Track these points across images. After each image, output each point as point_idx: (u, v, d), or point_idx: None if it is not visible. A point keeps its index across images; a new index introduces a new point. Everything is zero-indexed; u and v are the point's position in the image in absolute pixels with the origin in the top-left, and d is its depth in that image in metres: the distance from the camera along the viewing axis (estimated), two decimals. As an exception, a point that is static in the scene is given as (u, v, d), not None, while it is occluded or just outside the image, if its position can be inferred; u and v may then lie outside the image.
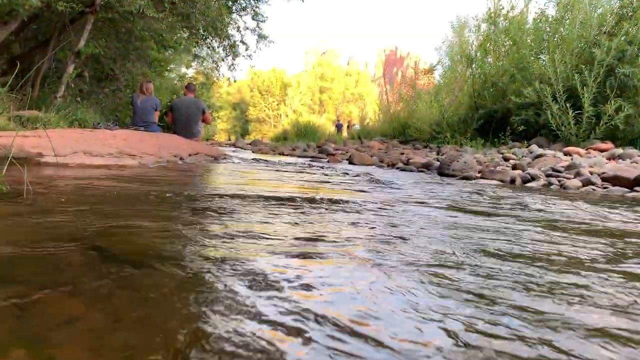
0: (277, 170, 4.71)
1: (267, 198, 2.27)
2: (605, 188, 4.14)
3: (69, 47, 11.88)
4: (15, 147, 3.48)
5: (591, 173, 4.64)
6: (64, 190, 2.22)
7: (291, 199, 2.30)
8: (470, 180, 4.64)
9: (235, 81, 18.54)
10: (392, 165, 7.11)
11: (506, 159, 6.56)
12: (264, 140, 33.57)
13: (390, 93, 17.21)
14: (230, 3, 11.67)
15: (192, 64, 21.01)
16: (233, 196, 2.25)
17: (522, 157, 6.48)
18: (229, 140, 54.85)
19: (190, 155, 5.50)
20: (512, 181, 4.65)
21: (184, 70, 23.29)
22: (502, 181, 4.53)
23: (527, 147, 7.70)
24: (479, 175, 4.99)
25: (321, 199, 2.42)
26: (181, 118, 7.25)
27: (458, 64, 10.62)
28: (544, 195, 3.48)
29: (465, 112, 10.02)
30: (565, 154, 6.37)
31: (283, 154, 11.07)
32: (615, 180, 4.25)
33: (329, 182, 3.66)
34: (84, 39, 9.66)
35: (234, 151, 12.23)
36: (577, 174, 4.56)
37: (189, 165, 4.64)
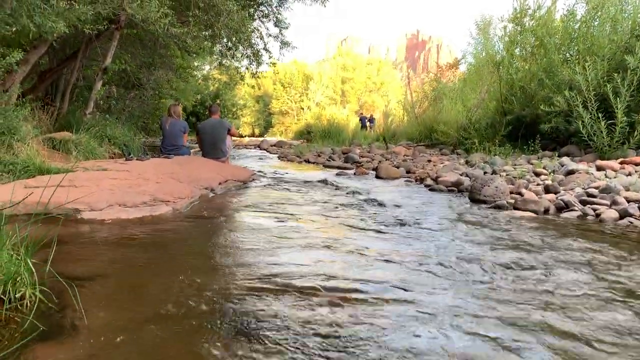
0: (303, 205, 4.72)
1: (299, 291, 2.28)
2: (643, 220, 4.05)
3: (96, 64, 12.09)
4: (52, 202, 3.57)
5: (627, 200, 4.53)
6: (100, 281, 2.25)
7: (333, 290, 2.30)
8: (502, 211, 4.59)
9: (259, 80, 18.55)
10: (420, 181, 7.06)
11: (537, 174, 6.45)
12: (287, 140, 33.65)
13: (414, 90, 17.05)
14: (253, 10, 11.66)
15: (215, 64, 21.19)
16: (259, 291, 2.27)
17: (554, 172, 6.37)
18: (253, 134, 55.22)
19: (220, 184, 5.56)
20: (546, 211, 4.58)
21: (207, 68, 23.45)
22: (535, 212, 4.46)
23: (557, 158, 7.57)
24: (512, 201, 4.93)
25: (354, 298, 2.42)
26: (208, 139, 7.35)
27: (484, 66, 10.44)
28: (582, 236, 3.42)
29: (493, 116, 9.88)
30: (599, 168, 6.23)
31: (309, 162, 11.09)
32: (654, 210, 4.14)
33: (358, 228, 3.66)
34: (110, 56, 9.81)
35: (260, 158, 12.31)
36: (614, 202, 4.46)
37: (218, 202, 4.69)
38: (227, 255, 2.70)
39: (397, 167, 8.42)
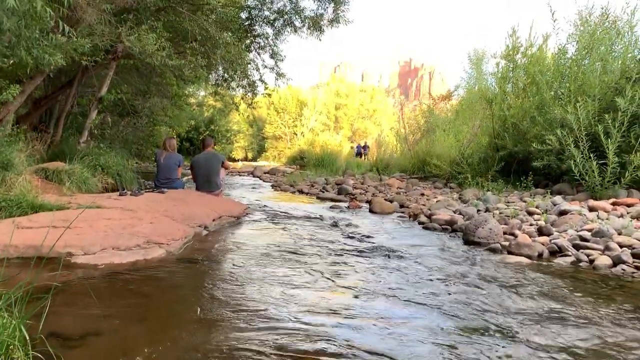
0: (296, 248, 4.71)
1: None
2: (637, 268, 4.07)
3: (91, 91, 12.13)
4: (46, 246, 3.54)
5: (620, 245, 4.56)
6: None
7: None
8: (496, 255, 4.59)
9: (253, 109, 18.69)
10: (414, 217, 7.08)
11: (530, 213, 6.49)
12: (280, 165, 33.69)
13: (407, 120, 17.19)
14: (249, 42, 11.79)
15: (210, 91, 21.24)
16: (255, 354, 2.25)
17: (546, 212, 6.41)
18: (246, 158, 55.24)
19: (214, 220, 5.54)
20: (540, 255, 4.59)
21: (201, 93, 23.50)
22: (529, 257, 4.47)
23: (550, 196, 7.63)
24: (505, 243, 4.94)
25: None
26: (202, 173, 7.35)
27: (476, 102, 10.58)
28: (575, 286, 3.43)
29: (485, 151, 9.97)
30: (591, 209, 6.28)
31: (302, 192, 11.10)
32: (647, 258, 4.17)
33: (352, 277, 3.64)
34: (106, 86, 9.85)
35: (253, 187, 12.30)
36: (607, 248, 4.48)
37: (211, 243, 4.67)
38: (220, 309, 2.67)
39: (391, 201, 8.44)
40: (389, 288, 3.27)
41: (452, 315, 2.73)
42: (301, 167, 32.06)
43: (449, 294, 3.17)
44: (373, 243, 4.92)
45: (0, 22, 4.98)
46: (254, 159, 55.74)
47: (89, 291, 2.87)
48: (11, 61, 6.65)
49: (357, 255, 4.29)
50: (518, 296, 3.16)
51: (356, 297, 3.02)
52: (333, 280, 3.40)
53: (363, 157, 23.90)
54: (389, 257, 4.25)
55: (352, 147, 26.70)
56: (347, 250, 4.50)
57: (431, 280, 3.53)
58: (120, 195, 5.81)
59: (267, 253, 4.21)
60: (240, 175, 18.03)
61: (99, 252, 3.58)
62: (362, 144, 27.69)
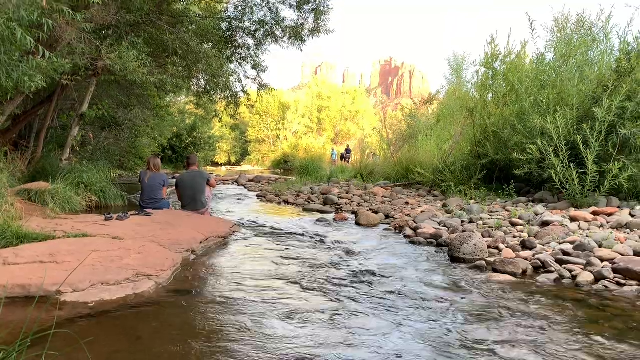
0: (284, 270, 4.74)
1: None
2: (618, 283, 4.18)
3: (72, 105, 12.01)
4: (34, 284, 3.54)
5: (602, 260, 4.68)
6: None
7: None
8: (481, 273, 4.68)
9: (236, 120, 18.65)
10: (399, 230, 7.15)
11: (513, 224, 6.61)
12: (264, 170, 33.68)
13: (389, 123, 17.29)
14: (230, 53, 11.78)
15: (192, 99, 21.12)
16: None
17: (529, 222, 6.53)
18: (229, 162, 55.11)
19: (201, 243, 5.55)
20: (524, 272, 4.69)
21: (182, 99, 23.37)
22: (513, 275, 4.55)
23: (532, 205, 7.77)
24: (490, 259, 5.03)
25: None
26: (188, 192, 7.34)
27: (457, 111, 10.70)
28: (559, 303, 3.51)
29: (467, 159, 10.09)
30: (572, 219, 6.41)
31: (288, 203, 11.13)
32: (627, 273, 4.28)
33: (340, 300, 3.69)
34: (87, 102, 9.78)
35: (238, 199, 12.28)
36: (589, 264, 4.59)
37: (199, 269, 4.68)
38: (211, 346, 2.69)
39: (376, 212, 8.50)
40: (377, 318, 3.32)
41: (438, 349, 2.79)
42: (285, 171, 32.11)
43: (435, 325, 3.23)
44: (360, 264, 4.97)
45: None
46: (238, 163, 55.63)
47: (80, 334, 2.87)
48: (-10, 85, 6.58)
49: (346, 281, 4.33)
50: (501, 325, 3.23)
51: (351, 333, 3.07)
52: (322, 312, 3.44)
53: (346, 161, 23.97)
54: (372, 283, 4.29)
55: (332, 155, 26.59)
56: (335, 275, 4.54)
57: (418, 308, 3.58)
58: (106, 220, 5.78)
59: (255, 281, 4.23)
60: (224, 184, 17.97)
61: (88, 289, 3.57)
62: (346, 147, 27.71)
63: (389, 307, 3.58)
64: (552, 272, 4.65)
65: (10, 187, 7.85)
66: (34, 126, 12.42)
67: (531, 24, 9.28)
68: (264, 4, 11.58)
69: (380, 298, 3.79)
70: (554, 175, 7.38)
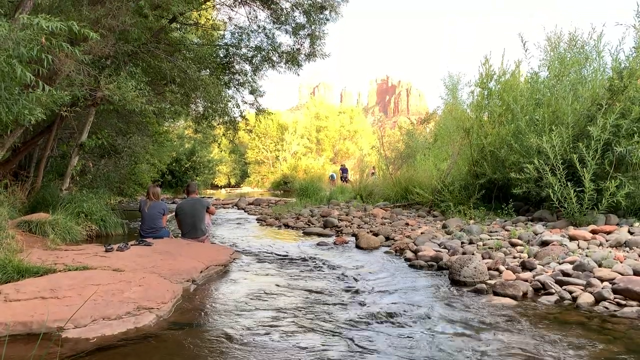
0: (285, 299, 4.75)
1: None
2: (618, 304, 4.19)
3: (71, 134, 12.09)
4: (36, 322, 3.55)
5: (602, 280, 4.69)
6: None
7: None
8: (482, 296, 4.68)
9: (235, 145, 18.70)
10: (400, 253, 7.15)
11: (513, 245, 6.63)
12: (264, 192, 33.73)
13: (387, 142, 17.36)
14: (228, 79, 11.91)
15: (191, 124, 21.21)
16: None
17: (529, 242, 6.55)
18: (229, 185, 55.15)
19: (201, 272, 5.56)
20: (525, 294, 4.69)
21: (181, 123, 23.48)
22: (514, 298, 4.56)
23: (531, 224, 7.79)
24: (491, 282, 5.04)
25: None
26: (187, 220, 7.36)
27: (454, 132, 10.78)
28: (561, 326, 3.52)
29: (466, 178, 10.14)
30: (571, 238, 6.43)
31: (288, 226, 11.14)
32: (627, 293, 4.29)
33: (342, 329, 3.69)
34: (86, 132, 9.85)
35: (238, 223, 12.28)
36: (589, 284, 4.60)
37: (200, 300, 4.68)
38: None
39: (376, 235, 8.52)
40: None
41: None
42: (285, 192, 32.16)
43: (437, 353, 3.24)
44: (361, 291, 4.97)
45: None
46: (238, 185, 55.68)
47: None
48: (-10, 119, 6.65)
49: (347, 310, 4.34)
50: (502, 352, 3.24)
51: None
52: (325, 344, 3.44)
53: (344, 181, 23.98)
54: (373, 312, 4.30)
55: (330, 178, 26.51)
56: (336, 304, 4.54)
57: (419, 335, 3.59)
58: (106, 251, 5.79)
59: (256, 313, 4.23)
60: (224, 208, 17.99)
61: (89, 324, 3.58)
62: (343, 167, 27.70)
63: (391, 337, 3.58)
64: (552, 293, 4.65)
65: (11, 218, 7.88)
66: (34, 156, 12.48)
67: (524, 44, 9.40)
68: (260, 31, 11.77)
69: (381, 327, 3.79)
70: (551, 194, 7.42)
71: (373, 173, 17.72)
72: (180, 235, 7.68)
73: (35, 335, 3.40)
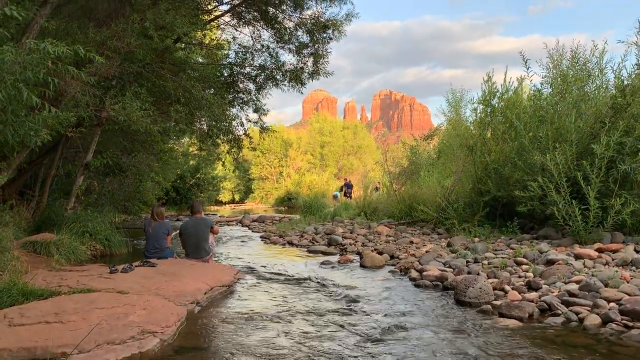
0: (289, 323, 4.73)
1: None
2: (625, 326, 4.15)
3: (76, 152, 12.17)
4: (40, 347, 3.54)
5: (608, 300, 4.66)
6: None
7: None
8: (487, 318, 4.65)
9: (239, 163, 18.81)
10: (405, 272, 7.12)
11: (518, 263, 6.60)
12: (268, 209, 33.76)
13: (391, 162, 17.36)
14: (232, 97, 12.00)
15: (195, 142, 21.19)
16: None
17: (534, 261, 6.52)
18: (233, 201, 55.15)
19: (205, 293, 5.55)
20: (531, 316, 4.66)
21: (185, 140, 23.53)
22: (520, 319, 4.53)
23: (536, 242, 7.77)
24: (497, 303, 5.01)
25: None
26: (192, 240, 7.37)
27: (457, 149, 10.79)
28: (567, 350, 3.49)
29: (470, 196, 10.12)
30: (577, 257, 6.39)
31: (292, 244, 11.12)
32: (634, 314, 4.26)
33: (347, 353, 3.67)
34: (91, 152, 9.91)
35: (242, 241, 12.27)
36: (595, 305, 4.57)
37: (204, 322, 4.67)
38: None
39: (381, 253, 8.48)
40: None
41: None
42: (289, 209, 32.15)
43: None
44: (365, 312, 4.96)
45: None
46: (242, 201, 55.69)
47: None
48: (-3, 141, 6.71)
49: (352, 333, 4.32)
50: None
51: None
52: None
53: (348, 197, 23.94)
54: (379, 334, 4.28)
55: (334, 197, 26.29)
56: (342, 326, 4.53)
57: (418, 346, 3.57)
58: (110, 272, 5.80)
59: (260, 335, 4.22)
60: (228, 225, 17.98)
61: (93, 349, 3.57)
62: (347, 181, 27.63)
63: (396, 358, 3.56)
64: (558, 314, 4.62)
65: (16, 239, 7.91)
66: (39, 175, 12.55)
67: (525, 62, 9.43)
68: (264, 50, 11.88)
69: (386, 349, 3.77)
70: (556, 212, 7.40)
71: (377, 188, 17.72)
72: (184, 255, 7.68)
73: (40, 361, 3.40)
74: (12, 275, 5.44)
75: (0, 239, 6.29)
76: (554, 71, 9.65)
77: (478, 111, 10.65)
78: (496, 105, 10.41)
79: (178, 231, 7.67)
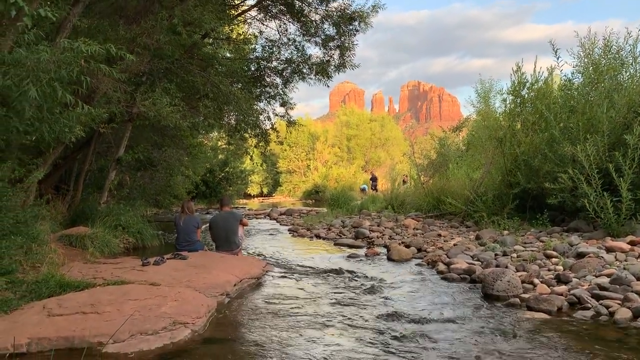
0: (317, 313, 4.79)
1: None
2: (657, 320, 4.09)
3: (108, 149, 12.47)
4: (77, 337, 3.69)
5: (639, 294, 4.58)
6: None
7: None
8: (515, 311, 4.63)
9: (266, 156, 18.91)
10: (432, 265, 7.11)
11: (548, 256, 6.51)
12: (296, 202, 33.94)
13: (419, 154, 17.24)
14: (259, 92, 12.10)
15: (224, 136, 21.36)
16: None
17: (564, 254, 6.42)
18: (262, 194, 55.64)
19: (235, 285, 5.66)
20: (559, 309, 4.62)
21: (214, 135, 23.82)
22: (548, 313, 4.50)
23: (566, 235, 7.65)
24: (525, 296, 4.98)
25: None
26: (221, 233, 7.51)
27: (486, 140, 10.66)
28: (597, 343, 3.46)
29: (499, 188, 10.01)
30: (608, 250, 6.28)
31: (319, 237, 11.19)
32: (666, 308, 4.19)
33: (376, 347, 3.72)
34: (123, 147, 10.14)
35: (270, 234, 12.40)
36: (626, 299, 4.50)
37: (234, 313, 4.78)
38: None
39: (408, 246, 8.47)
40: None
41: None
42: (317, 202, 32.29)
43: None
44: (393, 305, 4.99)
45: (23, 111, 5.25)
46: (270, 194, 56.12)
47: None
48: (33, 137, 6.94)
49: (379, 324, 4.36)
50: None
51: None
52: (359, 358, 3.47)
53: (373, 190, 23.90)
54: (406, 327, 4.30)
55: (361, 190, 26.23)
56: (369, 318, 4.57)
57: (451, 356, 3.58)
58: (143, 265, 5.96)
59: (289, 325, 4.30)
60: (257, 218, 18.18)
61: (128, 339, 3.70)
62: (372, 175, 27.55)
63: (423, 350, 3.59)
64: (588, 308, 4.57)
65: (52, 232, 8.18)
66: (74, 170, 12.91)
67: (555, 51, 9.25)
68: (290, 43, 11.94)
69: (413, 341, 3.80)
70: (587, 204, 7.27)
71: (405, 181, 17.65)
72: (214, 248, 7.83)
73: (77, 350, 3.54)
74: (49, 268, 5.66)
75: (38, 233, 6.51)
76: (586, 60, 9.42)
77: (507, 102, 10.49)
78: (526, 95, 10.23)
79: (208, 224, 7.82)
